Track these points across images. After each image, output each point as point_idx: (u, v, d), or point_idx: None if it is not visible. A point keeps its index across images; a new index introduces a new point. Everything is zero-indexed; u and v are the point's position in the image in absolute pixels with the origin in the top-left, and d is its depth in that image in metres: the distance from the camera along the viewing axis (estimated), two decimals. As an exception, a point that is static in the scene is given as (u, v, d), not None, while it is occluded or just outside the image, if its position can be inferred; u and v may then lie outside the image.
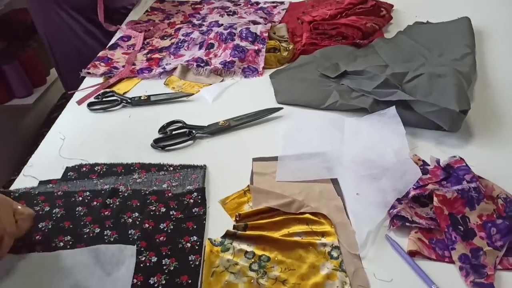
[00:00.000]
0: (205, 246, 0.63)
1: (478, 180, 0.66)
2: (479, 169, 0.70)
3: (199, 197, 0.71)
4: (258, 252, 0.61)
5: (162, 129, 0.87)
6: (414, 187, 0.68)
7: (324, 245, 0.62)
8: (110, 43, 1.17)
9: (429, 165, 0.74)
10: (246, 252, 0.61)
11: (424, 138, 0.81)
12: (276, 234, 0.63)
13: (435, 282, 0.57)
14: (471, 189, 0.64)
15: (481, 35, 1.15)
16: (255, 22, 1.17)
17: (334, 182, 0.73)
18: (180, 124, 0.88)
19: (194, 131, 0.85)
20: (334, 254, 0.61)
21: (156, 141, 0.84)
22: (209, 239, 0.63)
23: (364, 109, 0.86)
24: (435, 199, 0.64)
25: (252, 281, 0.58)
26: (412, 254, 0.61)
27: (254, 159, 0.78)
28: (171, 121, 0.89)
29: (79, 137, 0.87)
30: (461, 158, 0.71)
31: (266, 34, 1.10)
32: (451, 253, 0.60)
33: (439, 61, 0.95)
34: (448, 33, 1.08)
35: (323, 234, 0.64)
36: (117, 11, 1.33)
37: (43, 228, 0.66)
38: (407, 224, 0.63)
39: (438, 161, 0.73)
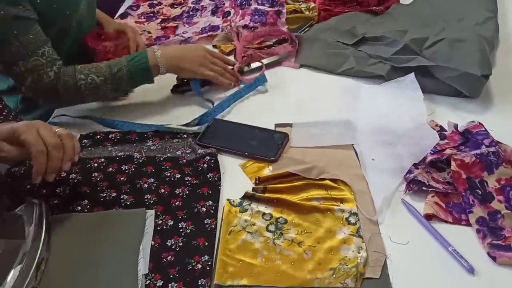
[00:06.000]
0: (222, 209, 0.63)
1: (497, 145, 0.65)
2: (498, 134, 0.68)
3: (212, 161, 0.71)
4: (276, 214, 0.62)
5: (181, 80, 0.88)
6: (432, 152, 0.67)
7: (342, 211, 0.62)
8: (120, 12, 1.16)
9: (446, 131, 0.73)
10: (264, 213, 0.62)
11: (442, 104, 0.80)
12: (295, 198, 0.63)
13: (452, 244, 0.56)
14: (489, 153, 0.63)
15: (503, -2, 1.10)
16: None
17: (350, 148, 0.72)
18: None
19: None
20: (352, 220, 0.61)
21: (176, 86, 0.87)
22: (228, 199, 0.64)
23: (381, 77, 0.84)
24: (453, 163, 0.63)
25: (268, 241, 0.58)
26: (429, 217, 0.60)
27: (277, 125, 0.77)
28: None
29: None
30: (479, 123, 0.70)
31: None
32: (468, 216, 0.59)
33: (460, 26, 0.92)
34: (468, -3, 1.03)
35: (342, 200, 0.63)
36: None
37: (60, 193, 0.67)
38: (424, 188, 0.63)
39: (456, 126, 0.71)
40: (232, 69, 0.88)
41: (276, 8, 1.03)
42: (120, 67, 0.77)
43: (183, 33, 1.04)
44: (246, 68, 0.91)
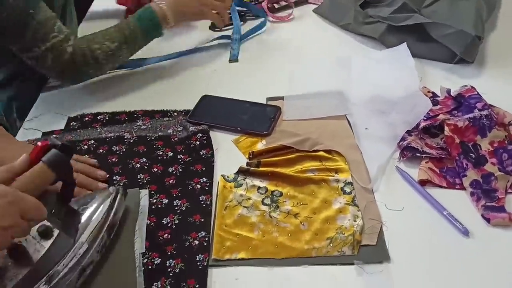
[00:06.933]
0: (217, 185, 0.63)
1: (490, 108, 0.65)
2: (490, 98, 0.68)
3: (205, 138, 0.70)
4: (271, 187, 0.62)
5: None
6: (425, 118, 0.66)
7: (337, 181, 0.62)
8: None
9: (439, 96, 0.72)
10: (259, 187, 0.62)
11: (434, 70, 0.79)
12: (289, 171, 0.63)
13: (446, 208, 0.57)
14: (482, 116, 0.63)
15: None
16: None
17: (343, 119, 0.72)
18: None
19: None
20: (347, 189, 0.61)
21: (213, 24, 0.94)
22: (222, 175, 0.64)
23: (374, 45, 0.83)
24: (446, 128, 0.63)
25: (264, 214, 0.58)
26: (423, 183, 0.60)
27: (269, 99, 0.76)
28: None
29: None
30: (472, 86, 0.69)
31: None
32: (462, 180, 0.60)
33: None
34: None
35: (337, 170, 0.63)
36: None
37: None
38: (417, 155, 0.63)
39: (448, 91, 0.71)
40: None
41: None
42: (132, 28, 0.78)
43: None
44: (276, 6, 0.99)
